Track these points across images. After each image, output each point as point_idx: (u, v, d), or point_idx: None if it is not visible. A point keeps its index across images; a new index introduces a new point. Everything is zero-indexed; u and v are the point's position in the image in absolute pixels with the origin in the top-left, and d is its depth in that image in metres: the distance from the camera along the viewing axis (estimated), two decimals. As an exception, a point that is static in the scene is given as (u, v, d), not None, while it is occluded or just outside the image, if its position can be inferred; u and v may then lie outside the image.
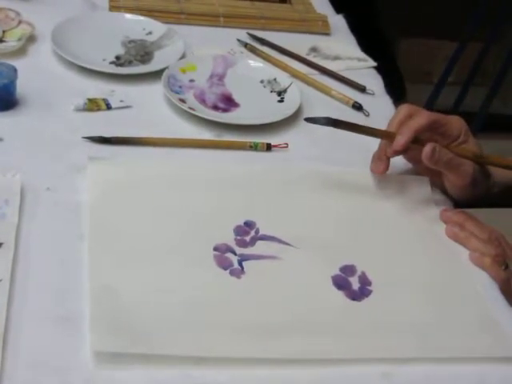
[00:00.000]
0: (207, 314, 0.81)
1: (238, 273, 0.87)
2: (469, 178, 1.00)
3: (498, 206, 1.13)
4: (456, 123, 1.03)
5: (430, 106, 2.30)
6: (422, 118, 1.00)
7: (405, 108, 1.03)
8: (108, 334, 0.76)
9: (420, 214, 1.01)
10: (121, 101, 1.13)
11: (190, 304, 0.81)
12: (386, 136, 1.01)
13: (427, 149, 0.97)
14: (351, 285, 0.88)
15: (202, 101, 1.16)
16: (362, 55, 1.37)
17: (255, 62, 1.28)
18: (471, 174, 1.00)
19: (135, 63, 1.23)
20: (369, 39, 1.43)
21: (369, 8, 2.51)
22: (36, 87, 1.12)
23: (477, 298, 0.90)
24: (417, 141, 0.99)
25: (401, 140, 0.98)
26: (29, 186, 0.92)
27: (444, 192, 1.06)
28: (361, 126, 1.01)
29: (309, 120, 0.99)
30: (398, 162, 1.07)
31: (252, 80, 1.24)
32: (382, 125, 1.14)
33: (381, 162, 1.03)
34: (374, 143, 1.06)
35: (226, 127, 1.11)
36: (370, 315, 0.85)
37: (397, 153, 1.01)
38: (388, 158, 1.03)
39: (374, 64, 1.36)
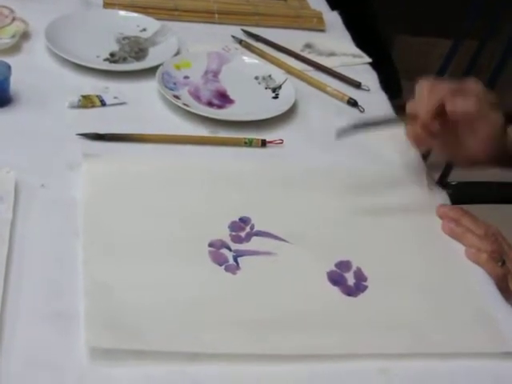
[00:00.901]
0: (203, 309, 0.81)
1: (234, 269, 0.86)
2: (498, 126, 1.00)
3: None
4: (473, 87, 1.01)
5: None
6: (442, 90, 0.99)
7: (425, 86, 1.01)
8: (103, 330, 0.75)
9: (416, 209, 1.01)
10: (115, 97, 1.12)
11: (186, 300, 0.81)
12: (413, 118, 1.01)
13: (450, 102, 0.97)
14: (347, 280, 0.88)
15: (197, 97, 1.16)
16: (357, 51, 1.37)
17: (250, 59, 1.28)
18: (499, 122, 1.00)
19: (129, 60, 1.22)
20: (364, 36, 1.43)
21: (364, 5, 2.51)
22: (30, 84, 1.11)
23: (472, 294, 0.90)
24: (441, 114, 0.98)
25: (424, 110, 0.98)
26: (23, 182, 0.92)
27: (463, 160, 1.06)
28: (387, 120, 1.03)
29: (339, 136, 1.00)
30: (395, 159, 1.08)
31: (247, 76, 1.23)
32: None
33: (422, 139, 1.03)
34: (369, 139, 1.07)
35: (221, 123, 1.10)
36: (365, 311, 0.85)
37: (426, 125, 1.00)
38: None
39: (369, 60, 1.36)
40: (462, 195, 1.18)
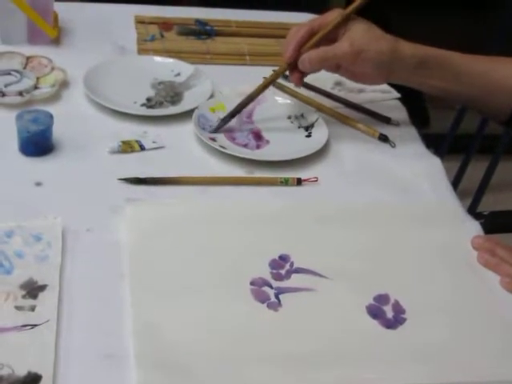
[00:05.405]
0: (248, 347, 0.83)
1: (276, 306, 0.89)
2: (382, 55, 1.14)
3: None
4: (331, 15, 1.16)
5: (453, 130, 2.31)
6: (303, 28, 1.17)
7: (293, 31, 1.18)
8: (153, 370, 0.78)
9: (450, 241, 1.03)
10: (153, 142, 1.16)
11: (231, 338, 0.84)
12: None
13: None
14: (385, 313, 0.90)
15: (232, 139, 1.19)
16: (386, 87, 1.39)
17: (282, 99, 1.30)
18: (383, 50, 1.14)
19: (166, 104, 1.26)
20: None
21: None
22: (71, 131, 1.15)
23: (510, 324, 0.91)
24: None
25: (287, 53, 1.17)
26: (69, 227, 0.95)
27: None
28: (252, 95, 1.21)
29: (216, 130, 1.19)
30: (428, 193, 1.10)
31: (280, 116, 1.26)
32: (408, 155, 1.17)
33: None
34: (401, 174, 1.09)
35: (257, 164, 1.13)
36: (405, 343, 0.86)
37: (290, 65, 1.18)
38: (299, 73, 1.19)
39: (398, 95, 1.39)
40: (494, 225, 1.19)
